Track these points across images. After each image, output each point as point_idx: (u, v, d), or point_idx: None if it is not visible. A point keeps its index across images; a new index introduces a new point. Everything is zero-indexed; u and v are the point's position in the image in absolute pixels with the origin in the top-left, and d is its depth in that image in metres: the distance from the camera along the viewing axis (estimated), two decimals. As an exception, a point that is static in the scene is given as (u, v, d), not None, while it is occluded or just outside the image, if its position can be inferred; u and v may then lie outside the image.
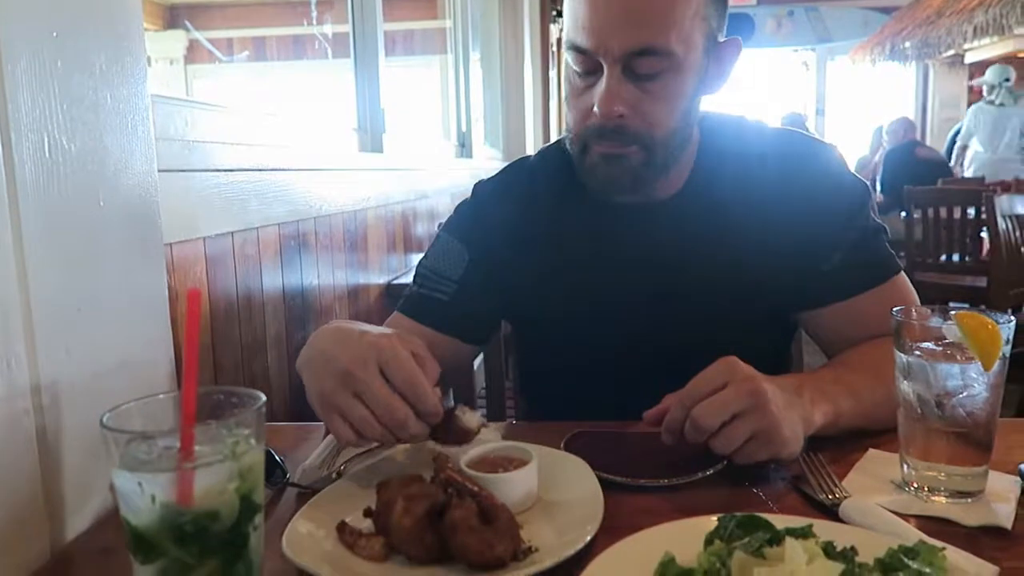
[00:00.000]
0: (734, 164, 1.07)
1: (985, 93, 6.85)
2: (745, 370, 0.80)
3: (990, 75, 6.74)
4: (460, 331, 1.11)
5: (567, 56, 0.99)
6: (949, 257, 4.31)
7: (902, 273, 1.06)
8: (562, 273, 1.10)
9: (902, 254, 4.37)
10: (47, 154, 0.73)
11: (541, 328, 1.15)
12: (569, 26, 0.97)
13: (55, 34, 0.75)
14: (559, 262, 1.10)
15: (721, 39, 1.00)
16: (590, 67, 0.96)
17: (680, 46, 0.93)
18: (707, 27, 0.96)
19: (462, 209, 1.19)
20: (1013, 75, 6.72)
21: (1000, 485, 0.77)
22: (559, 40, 6.47)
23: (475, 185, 1.20)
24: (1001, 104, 6.62)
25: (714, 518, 0.64)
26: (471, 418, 0.80)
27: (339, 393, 0.76)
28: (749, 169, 1.06)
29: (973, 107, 7.07)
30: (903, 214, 4.58)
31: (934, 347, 0.77)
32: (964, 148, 6.89)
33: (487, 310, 1.14)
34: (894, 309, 0.80)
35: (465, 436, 0.79)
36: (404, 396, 0.75)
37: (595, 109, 0.95)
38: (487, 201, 1.17)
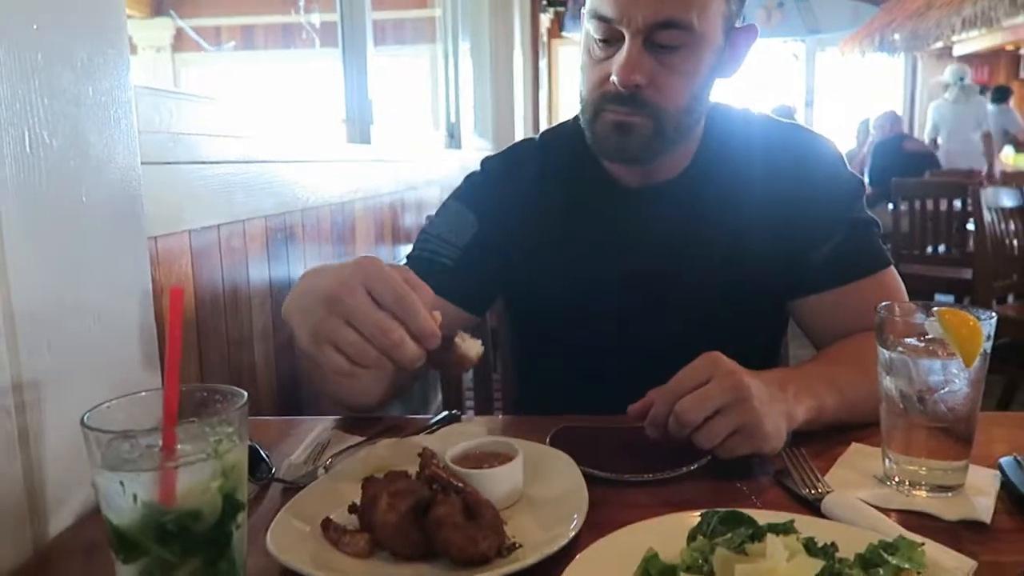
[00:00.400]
0: (736, 151, 1.09)
1: (943, 91, 7.18)
2: (728, 365, 0.81)
3: (947, 74, 7.17)
4: (461, 298, 1.11)
5: (588, 24, 1.00)
6: (935, 249, 4.34)
7: (892, 268, 1.08)
8: (563, 250, 1.12)
9: (889, 245, 4.38)
10: (28, 149, 0.72)
11: (540, 305, 1.16)
12: None
13: (35, 27, 0.74)
14: (561, 240, 1.12)
15: (738, 24, 1.02)
16: (610, 35, 0.97)
17: (701, 22, 0.95)
18: (727, 9, 0.98)
19: (473, 179, 1.20)
20: (969, 75, 7.17)
21: (979, 479, 0.78)
22: (549, 30, 6.44)
23: (483, 160, 1.22)
24: (955, 102, 7.00)
25: (697, 514, 0.65)
26: (471, 345, 0.76)
27: (328, 321, 0.71)
28: (750, 156, 1.09)
29: (932, 104, 7.42)
30: (890, 206, 4.61)
31: (916, 343, 0.78)
32: (934, 142, 7.07)
33: (488, 280, 1.15)
34: (878, 305, 0.80)
35: (463, 362, 0.76)
36: (395, 315, 0.70)
37: (613, 77, 0.97)
38: (496, 175, 1.19)
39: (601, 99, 1.00)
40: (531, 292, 1.16)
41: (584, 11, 1.02)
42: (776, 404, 0.81)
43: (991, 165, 6.62)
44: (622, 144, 1.01)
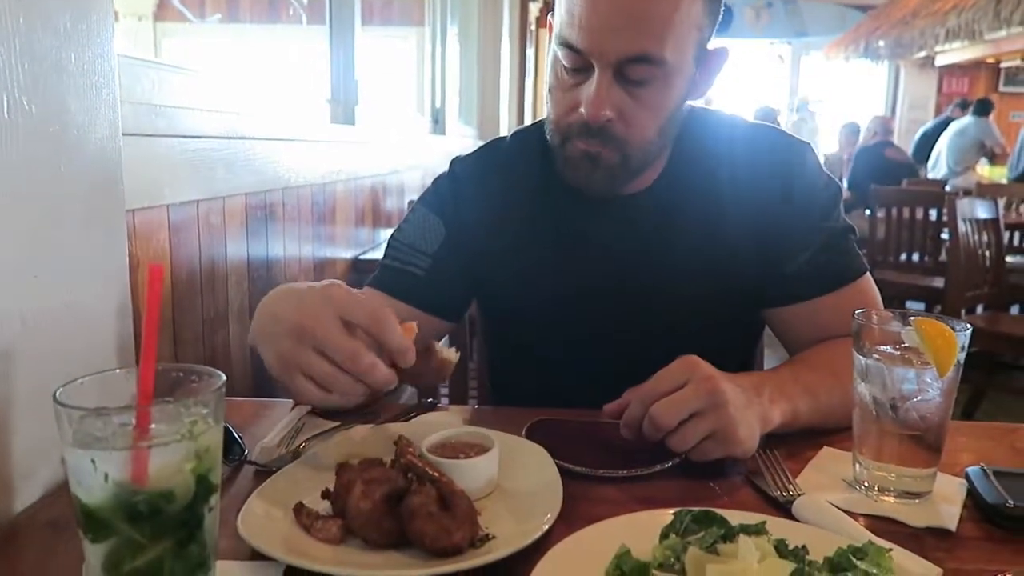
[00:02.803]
0: (708, 160, 1.07)
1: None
2: (705, 369, 0.81)
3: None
4: (434, 307, 1.10)
5: (557, 50, 0.98)
6: (909, 257, 4.40)
7: (867, 275, 1.07)
8: (532, 259, 1.10)
9: (864, 251, 4.44)
10: (6, 115, 0.70)
11: (509, 312, 1.15)
12: (564, 21, 0.95)
13: (17, -11, 0.72)
14: (530, 248, 1.10)
15: (710, 47, 1.00)
16: (580, 65, 0.95)
17: (673, 55, 0.93)
18: (700, 35, 0.96)
19: (440, 183, 1.18)
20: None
21: (946, 487, 0.80)
22: (538, 19, 6.41)
23: (452, 161, 1.19)
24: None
25: (670, 512, 0.65)
26: (448, 355, 0.77)
27: (297, 350, 0.73)
28: (726, 163, 1.07)
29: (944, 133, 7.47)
30: (867, 212, 4.66)
31: (892, 351, 0.78)
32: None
33: (460, 286, 1.14)
34: (855, 312, 0.81)
35: (444, 369, 0.76)
36: (370, 333, 0.72)
37: (582, 109, 0.95)
38: (465, 178, 1.16)
39: (569, 128, 0.98)
40: (501, 297, 1.14)
41: (553, 34, 0.99)
42: (751, 409, 0.82)
43: None
44: (590, 175, 1.00)
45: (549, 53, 1.02)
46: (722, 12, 1.01)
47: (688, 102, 1.04)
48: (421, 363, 0.75)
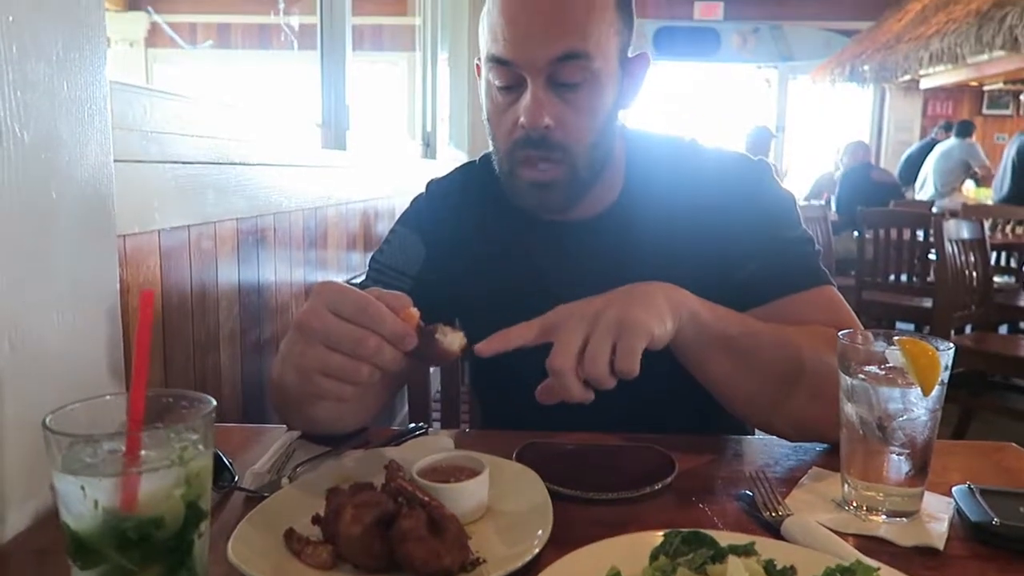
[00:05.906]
0: (662, 181, 1.10)
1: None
2: (579, 307, 0.82)
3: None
4: None
5: (485, 69, 1.00)
6: (898, 277, 4.43)
7: (829, 287, 1.05)
8: (501, 285, 1.11)
9: (852, 272, 4.48)
10: (-2, 142, 0.71)
11: (485, 333, 1.15)
12: (488, 40, 0.98)
13: (11, 19, 0.73)
14: (497, 274, 1.12)
15: (630, 55, 1.04)
16: (512, 80, 0.98)
17: (599, 54, 0.96)
18: (619, 41, 1.00)
19: (418, 203, 1.20)
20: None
21: (934, 506, 0.80)
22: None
23: (428, 182, 1.21)
24: None
25: (660, 533, 0.65)
26: (453, 339, 0.77)
27: (308, 352, 0.73)
28: (676, 185, 1.09)
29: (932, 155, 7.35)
30: (856, 234, 4.70)
31: (877, 371, 0.79)
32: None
33: (441, 308, 1.14)
34: (840, 332, 0.82)
35: (447, 356, 0.76)
36: (360, 326, 0.72)
37: (521, 120, 0.97)
38: (441, 198, 1.18)
39: (513, 147, 1.00)
40: (477, 317, 1.14)
41: (481, 58, 1.02)
42: (647, 295, 0.83)
43: None
44: (543, 200, 1.02)
45: (482, 86, 1.04)
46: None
47: (621, 110, 1.06)
48: (425, 347, 0.75)
